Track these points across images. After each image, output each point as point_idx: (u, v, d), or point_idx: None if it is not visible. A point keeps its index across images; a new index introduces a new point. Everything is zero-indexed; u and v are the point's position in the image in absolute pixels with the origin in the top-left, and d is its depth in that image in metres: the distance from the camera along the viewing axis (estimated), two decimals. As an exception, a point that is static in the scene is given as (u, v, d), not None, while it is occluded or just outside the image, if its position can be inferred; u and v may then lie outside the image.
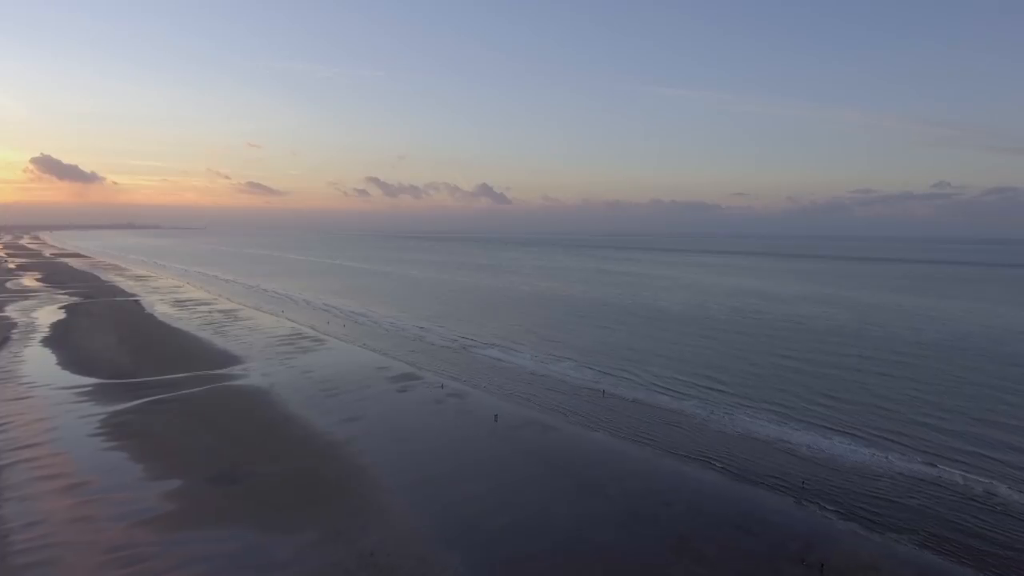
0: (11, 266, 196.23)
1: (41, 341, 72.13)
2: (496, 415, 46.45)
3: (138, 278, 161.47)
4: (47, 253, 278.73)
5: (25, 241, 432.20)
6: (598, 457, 38.53)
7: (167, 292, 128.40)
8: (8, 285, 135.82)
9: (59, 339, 73.45)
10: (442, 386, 55.02)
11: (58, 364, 60.92)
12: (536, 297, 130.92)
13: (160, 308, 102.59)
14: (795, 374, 61.41)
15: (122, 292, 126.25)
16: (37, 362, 61.83)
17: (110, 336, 76.16)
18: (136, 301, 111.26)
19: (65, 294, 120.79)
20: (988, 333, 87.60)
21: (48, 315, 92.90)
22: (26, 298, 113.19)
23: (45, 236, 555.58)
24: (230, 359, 64.35)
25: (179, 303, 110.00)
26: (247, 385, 53.91)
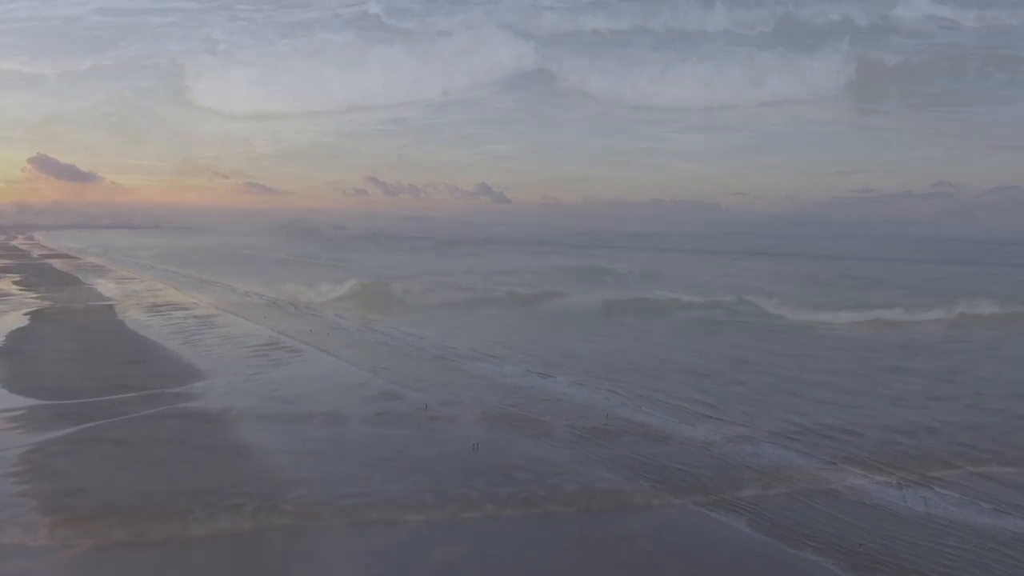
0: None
1: (-12, 353, 65.73)
2: (475, 444, 40.07)
3: (120, 280, 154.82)
4: (35, 254, 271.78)
5: (18, 242, 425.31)
6: (603, 503, 32.23)
7: (145, 296, 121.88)
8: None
9: (9, 351, 66.91)
10: (426, 407, 48.63)
11: (-4, 381, 54.53)
12: (533, 300, 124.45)
13: (132, 314, 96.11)
14: (819, 404, 54.88)
15: (98, 296, 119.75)
16: (-27, 379, 55.40)
17: (68, 347, 69.75)
18: (110, 306, 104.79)
19: (37, 298, 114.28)
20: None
21: (10, 322, 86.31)
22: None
23: (40, 236, 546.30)
24: (193, 374, 57.96)
25: (155, 308, 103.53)
26: (202, 408, 47.43)
